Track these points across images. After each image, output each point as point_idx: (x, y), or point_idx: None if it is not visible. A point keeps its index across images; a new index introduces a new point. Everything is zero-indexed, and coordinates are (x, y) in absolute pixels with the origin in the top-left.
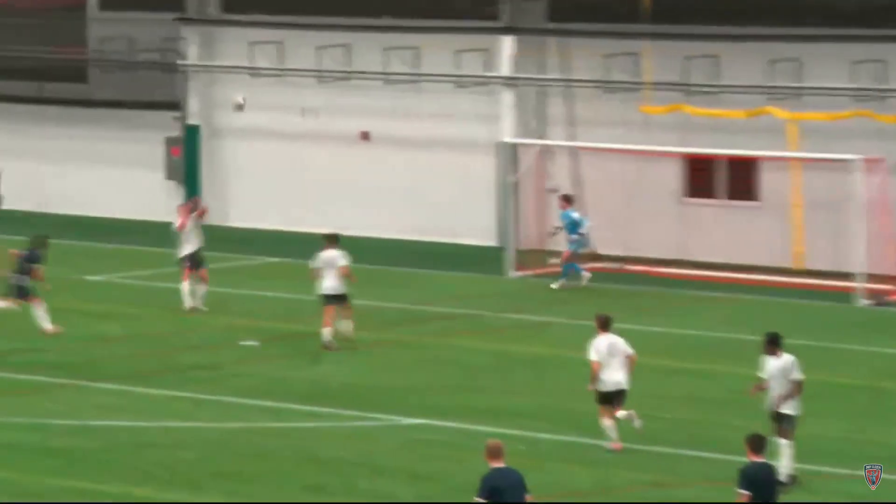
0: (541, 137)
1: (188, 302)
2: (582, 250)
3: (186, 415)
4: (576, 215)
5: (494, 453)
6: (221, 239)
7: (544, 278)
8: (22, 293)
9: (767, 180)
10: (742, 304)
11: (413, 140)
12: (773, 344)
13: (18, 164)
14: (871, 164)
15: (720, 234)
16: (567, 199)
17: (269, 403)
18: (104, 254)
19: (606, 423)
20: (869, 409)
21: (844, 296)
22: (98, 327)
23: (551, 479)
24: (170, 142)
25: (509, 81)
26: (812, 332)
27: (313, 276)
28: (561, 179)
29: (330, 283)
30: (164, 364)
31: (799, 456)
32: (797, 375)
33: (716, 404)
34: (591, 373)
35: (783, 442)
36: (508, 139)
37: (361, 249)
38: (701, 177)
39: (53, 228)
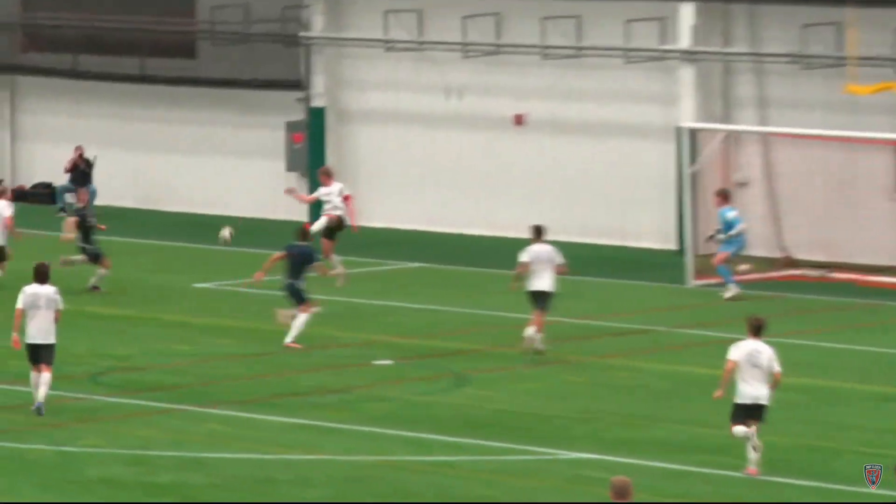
0: (726, 122)
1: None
2: (738, 253)
3: (311, 446)
4: (731, 214)
5: (621, 492)
6: (350, 241)
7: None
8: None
9: None
10: None
11: (575, 125)
12: None
13: (115, 153)
14: None
15: None
16: (723, 196)
17: (407, 433)
18: (214, 258)
19: (737, 430)
20: None
21: None
22: (207, 343)
23: None
24: (291, 127)
25: (689, 56)
26: None
27: (520, 272)
28: (750, 171)
29: (541, 281)
30: (286, 386)
31: None
32: None
33: None
34: (723, 375)
35: None
36: (688, 123)
37: (514, 253)
38: None
39: (155, 228)
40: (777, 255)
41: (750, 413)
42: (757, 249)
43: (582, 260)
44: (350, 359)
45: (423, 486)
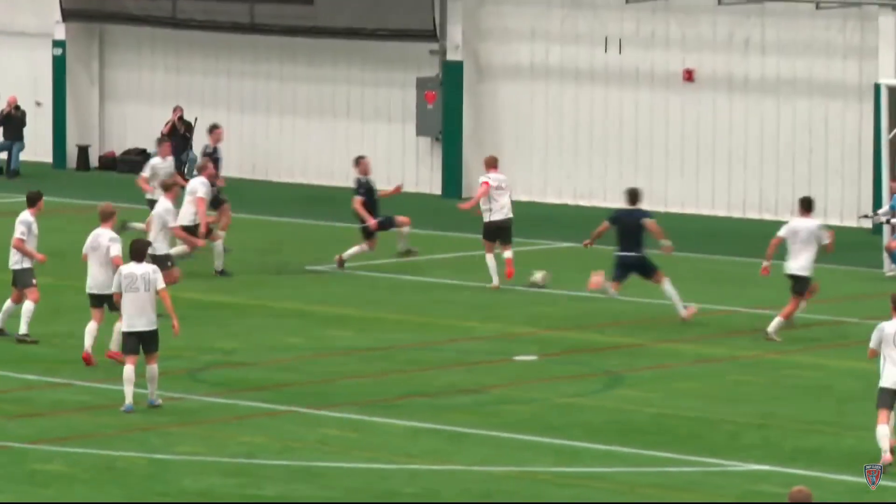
0: None
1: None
2: None
3: (441, 455)
4: None
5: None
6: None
7: None
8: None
9: None
10: None
11: (754, 81)
12: None
13: (219, 115)
14: None
15: None
16: None
17: (551, 440)
18: (331, 235)
19: (880, 430)
20: None
21: None
22: (323, 335)
23: None
24: (423, 84)
25: (891, 1)
26: None
27: (772, 249)
28: None
29: (800, 262)
30: (412, 386)
31: None
32: None
33: None
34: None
35: None
36: (888, 80)
37: (682, 231)
38: None
39: (265, 202)
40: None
41: (892, 400)
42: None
43: (757, 239)
44: (487, 354)
45: (569, 502)
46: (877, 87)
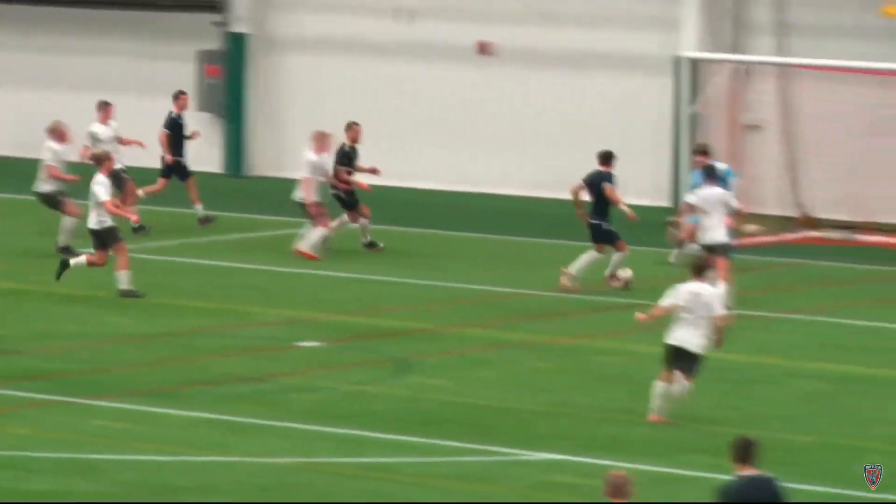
0: (736, 51)
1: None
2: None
3: (221, 446)
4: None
5: (618, 490)
6: (276, 198)
7: (736, 253)
8: None
9: None
10: None
11: (553, 55)
12: None
13: None
14: None
15: None
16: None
17: (337, 430)
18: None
19: (658, 385)
20: None
21: None
22: (101, 321)
23: None
24: (204, 57)
25: None
26: None
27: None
28: (764, 111)
29: (713, 233)
30: (191, 374)
31: None
32: None
33: None
34: (653, 312)
35: None
36: (690, 53)
37: (479, 211)
38: None
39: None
40: (794, 213)
41: (674, 358)
42: (769, 207)
43: (555, 220)
44: (270, 340)
45: (356, 494)
46: (678, 61)
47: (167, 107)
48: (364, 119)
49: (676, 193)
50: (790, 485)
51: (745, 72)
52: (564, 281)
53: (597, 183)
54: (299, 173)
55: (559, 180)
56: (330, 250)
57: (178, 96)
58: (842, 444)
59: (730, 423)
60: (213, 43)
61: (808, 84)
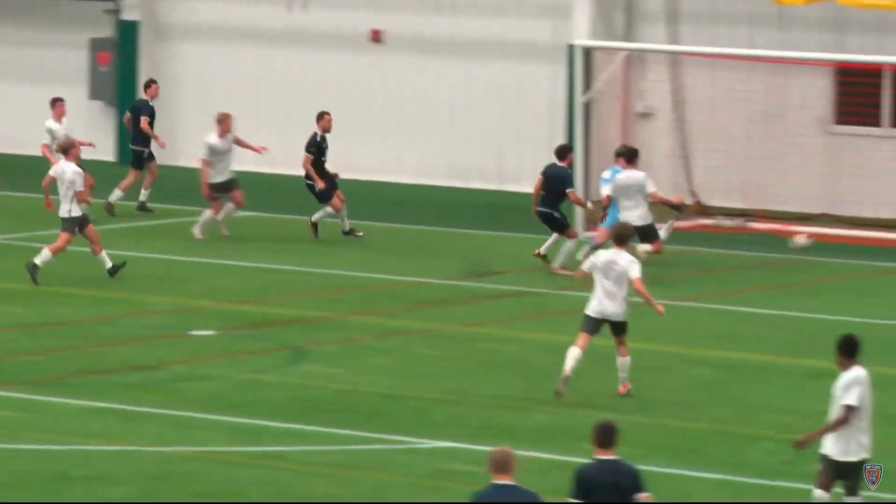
0: (628, 39)
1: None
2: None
3: (116, 434)
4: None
5: (500, 465)
6: (168, 186)
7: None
8: None
9: None
10: None
11: (445, 42)
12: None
13: None
14: None
15: (883, 177)
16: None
17: (231, 419)
18: (14, 206)
19: (572, 350)
20: None
21: None
22: None
23: None
24: (96, 45)
25: None
26: None
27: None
28: (656, 99)
29: (629, 215)
30: (85, 363)
31: None
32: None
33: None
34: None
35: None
36: (581, 41)
37: (370, 200)
38: (858, 96)
39: None
40: (686, 200)
41: (595, 328)
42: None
43: (450, 207)
44: (163, 329)
45: (249, 483)
46: (571, 49)
47: (60, 95)
48: (256, 107)
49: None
50: (684, 472)
51: (637, 60)
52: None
53: (553, 178)
54: (199, 157)
55: (452, 168)
56: (228, 237)
57: (150, 84)
58: (733, 432)
59: (623, 409)
60: (105, 31)
61: (699, 72)
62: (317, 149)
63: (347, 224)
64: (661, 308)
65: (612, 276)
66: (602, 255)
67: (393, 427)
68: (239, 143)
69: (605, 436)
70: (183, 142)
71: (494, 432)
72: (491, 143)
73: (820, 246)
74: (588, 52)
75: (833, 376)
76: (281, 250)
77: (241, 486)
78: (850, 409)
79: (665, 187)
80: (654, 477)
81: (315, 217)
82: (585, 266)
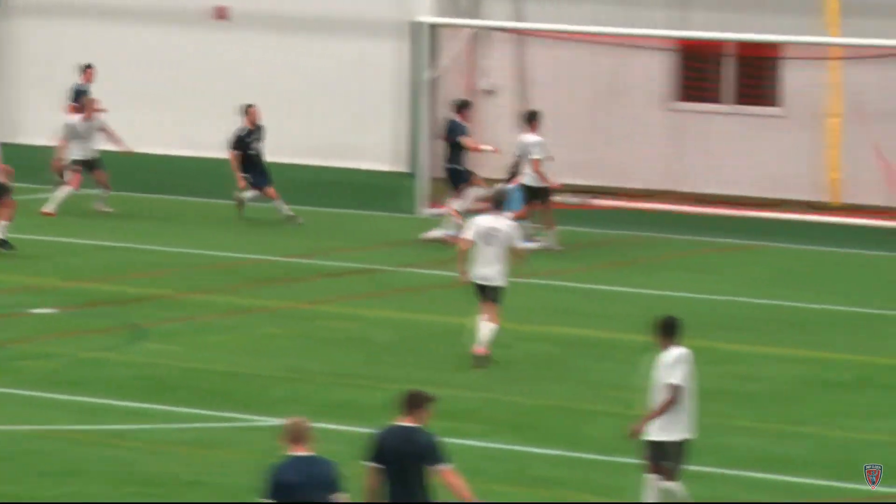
0: (472, 16)
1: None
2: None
3: None
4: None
5: (295, 436)
6: (13, 164)
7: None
8: None
9: (793, 78)
10: (756, 253)
11: (289, 19)
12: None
13: None
14: None
15: (726, 153)
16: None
17: (73, 397)
18: None
19: (479, 319)
20: None
21: None
22: None
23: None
24: None
25: None
26: (853, 294)
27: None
28: (501, 76)
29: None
30: None
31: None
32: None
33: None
34: (458, 253)
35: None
36: (426, 18)
37: (214, 177)
38: (700, 73)
39: None
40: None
41: (484, 294)
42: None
43: (295, 185)
44: (3, 308)
45: (92, 461)
46: (414, 26)
47: None
48: (100, 84)
49: (415, 158)
50: (525, 448)
51: (481, 37)
52: None
53: (450, 131)
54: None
55: (298, 146)
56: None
57: (85, 69)
58: (574, 408)
59: (467, 387)
60: None
61: (543, 49)
62: (239, 143)
63: (286, 209)
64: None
65: (493, 243)
66: (482, 222)
67: (235, 405)
68: (106, 131)
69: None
70: (25, 119)
71: (335, 409)
72: (336, 121)
73: (663, 222)
74: (433, 29)
75: None
76: (127, 229)
77: (85, 464)
78: (676, 389)
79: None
80: (495, 453)
81: (242, 196)
82: (468, 234)
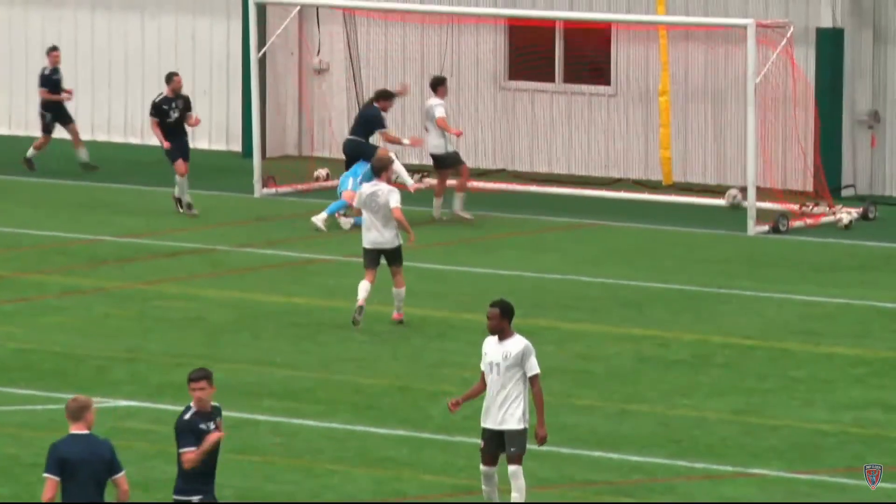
0: None
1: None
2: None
3: None
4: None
5: (75, 414)
6: None
7: (305, 197)
8: None
9: (624, 56)
10: (590, 232)
11: None
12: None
13: None
14: (771, 31)
15: (557, 132)
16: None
17: None
18: None
19: (362, 284)
20: (762, 378)
21: (731, 219)
22: None
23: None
24: None
25: None
26: (687, 273)
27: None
28: (331, 55)
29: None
30: None
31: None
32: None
33: (553, 375)
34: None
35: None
36: None
37: (42, 156)
38: (529, 52)
39: None
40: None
41: (375, 260)
42: (336, 151)
43: (121, 165)
44: None
45: None
46: (245, 4)
47: None
48: None
49: (248, 138)
50: (364, 428)
51: (309, 14)
52: None
53: (366, 118)
54: None
55: (126, 124)
56: None
57: (50, 52)
58: (413, 387)
59: (305, 367)
60: None
61: (373, 28)
62: (156, 111)
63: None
64: (413, 237)
65: (376, 208)
66: (365, 189)
67: (72, 386)
68: None
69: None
70: None
71: (174, 390)
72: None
73: (496, 201)
74: (262, 7)
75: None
76: None
77: None
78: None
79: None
80: (336, 433)
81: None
82: (355, 201)
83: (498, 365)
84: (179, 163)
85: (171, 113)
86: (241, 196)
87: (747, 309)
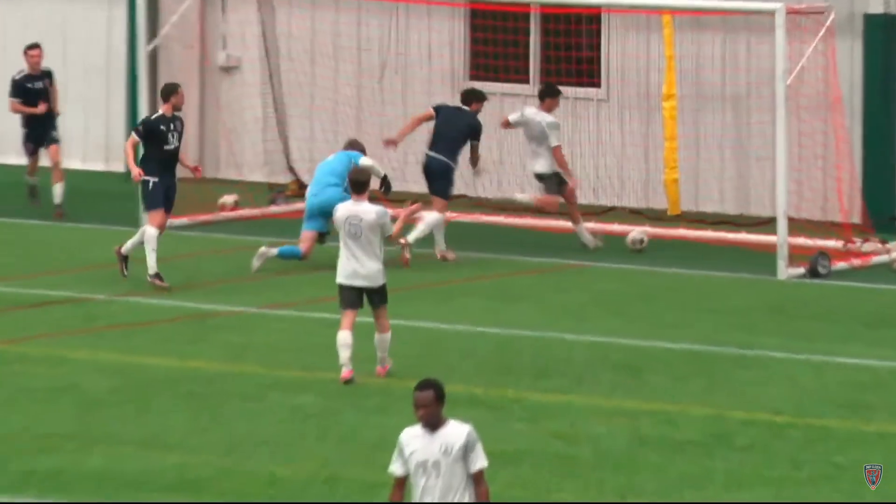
0: None
1: None
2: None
3: None
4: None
5: None
6: None
7: (208, 231)
8: None
9: (618, 50)
10: (571, 276)
11: None
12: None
13: None
14: (806, 18)
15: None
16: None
17: None
18: None
19: (341, 336)
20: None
21: (756, 259)
22: None
23: None
24: None
25: None
26: (698, 328)
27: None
28: (243, 49)
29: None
30: None
31: None
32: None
33: None
34: None
35: None
36: None
37: None
38: (496, 44)
39: None
40: (284, 178)
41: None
42: (252, 171)
43: None
44: None
45: None
46: None
47: None
48: None
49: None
50: None
51: (217, 2)
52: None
53: (472, 127)
54: None
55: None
56: None
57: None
58: (344, 477)
59: (206, 450)
60: None
61: (298, 14)
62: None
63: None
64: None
65: (356, 233)
66: (341, 211)
67: None
68: None
69: None
70: None
71: (40, 479)
72: None
73: (454, 236)
74: None
75: None
76: None
77: None
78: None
79: (255, 161)
80: None
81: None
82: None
83: (437, 464)
84: (160, 214)
85: (170, 137)
86: (123, 230)
87: (777, 375)
